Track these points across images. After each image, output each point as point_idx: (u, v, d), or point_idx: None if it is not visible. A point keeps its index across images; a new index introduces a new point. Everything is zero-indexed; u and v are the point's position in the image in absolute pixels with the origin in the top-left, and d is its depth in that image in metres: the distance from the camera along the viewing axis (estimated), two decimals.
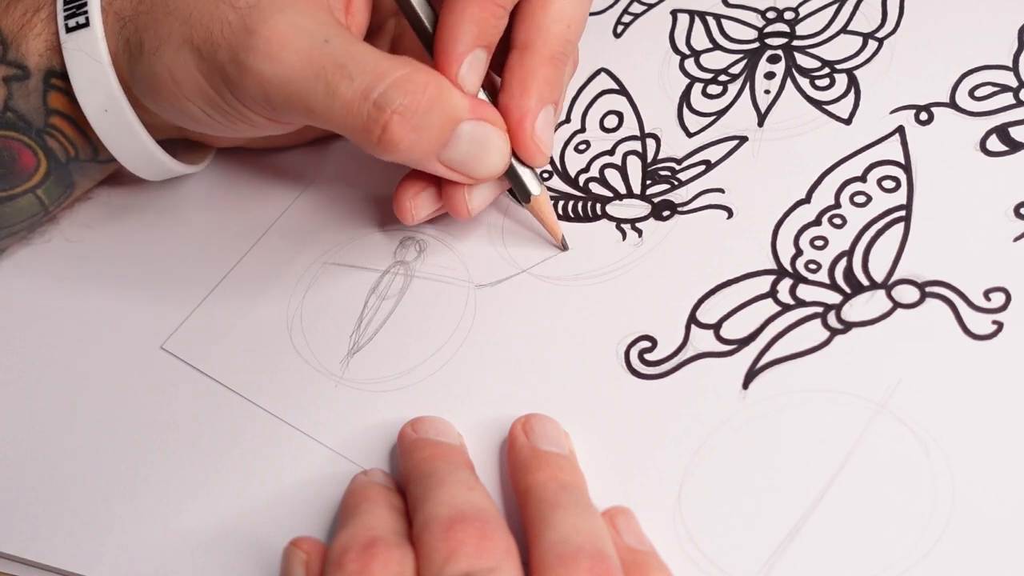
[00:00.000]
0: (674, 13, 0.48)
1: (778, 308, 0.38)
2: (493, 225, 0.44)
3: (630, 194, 0.43)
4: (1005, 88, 0.41)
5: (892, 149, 0.41)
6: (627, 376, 0.38)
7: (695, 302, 0.39)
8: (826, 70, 0.44)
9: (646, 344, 0.39)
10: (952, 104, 0.41)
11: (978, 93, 0.41)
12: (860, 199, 0.40)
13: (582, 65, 0.46)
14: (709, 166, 0.43)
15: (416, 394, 0.40)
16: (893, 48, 0.44)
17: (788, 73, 0.45)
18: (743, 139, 0.43)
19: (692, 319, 0.39)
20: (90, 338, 0.44)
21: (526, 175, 0.41)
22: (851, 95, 0.43)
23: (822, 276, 0.38)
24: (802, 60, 0.45)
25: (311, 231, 0.45)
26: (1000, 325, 0.36)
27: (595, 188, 0.44)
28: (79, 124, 0.42)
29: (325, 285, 0.43)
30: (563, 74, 0.40)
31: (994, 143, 0.40)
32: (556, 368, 0.39)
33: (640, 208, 0.43)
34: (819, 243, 0.39)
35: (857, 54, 0.44)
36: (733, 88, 0.45)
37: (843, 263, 0.39)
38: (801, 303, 0.38)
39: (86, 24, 0.40)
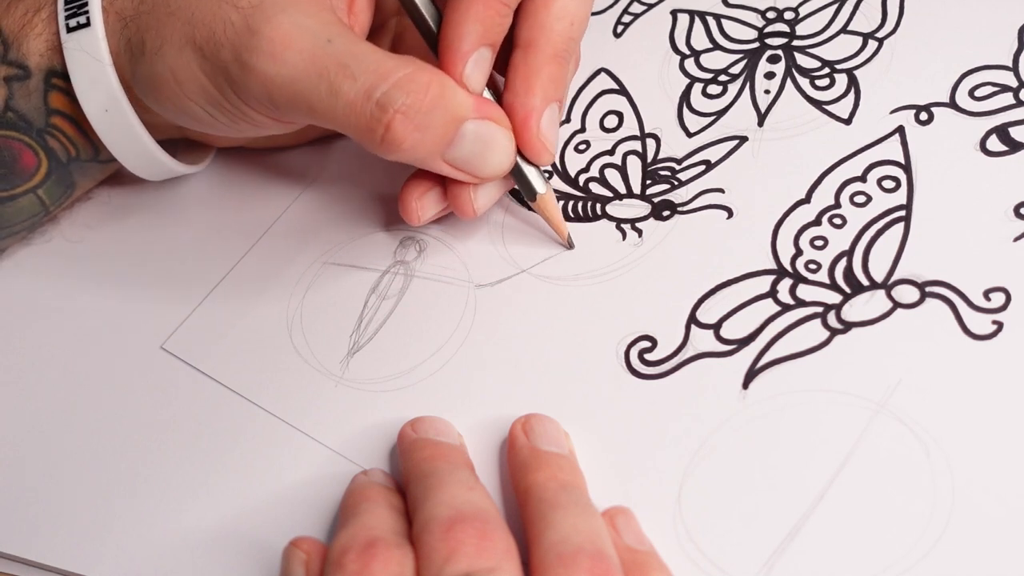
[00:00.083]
0: (674, 13, 0.48)
1: (778, 308, 0.38)
2: (493, 225, 0.44)
3: (630, 194, 0.43)
4: (1005, 88, 0.41)
5: (892, 149, 0.41)
6: (627, 376, 0.38)
7: (695, 302, 0.39)
8: (826, 70, 0.44)
9: (646, 344, 0.39)
10: (952, 104, 0.41)
11: (978, 93, 0.41)
12: (860, 199, 0.40)
13: (582, 65, 0.46)
14: (709, 166, 0.43)
15: (416, 394, 0.40)
16: (893, 48, 0.44)
17: (788, 73, 0.45)
18: (743, 139, 0.43)
19: (692, 319, 0.39)
20: (90, 338, 0.44)
21: (531, 173, 0.41)
22: (851, 95, 0.43)
23: (822, 276, 0.38)
24: (802, 60, 0.45)
25: (311, 231, 0.45)
26: (1000, 325, 0.36)
27: (595, 188, 0.44)
28: (80, 124, 0.42)
29: (325, 285, 0.43)
30: (566, 72, 0.40)
31: (994, 143, 0.40)
32: (556, 368, 0.39)
33: (640, 208, 0.43)
34: (819, 243, 0.39)
35: (857, 54, 0.44)
36: (733, 88, 0.45)
37: (843, 263, 0.39)
38: (801, 303, 0.38)
39: (87, 24, 0.40)
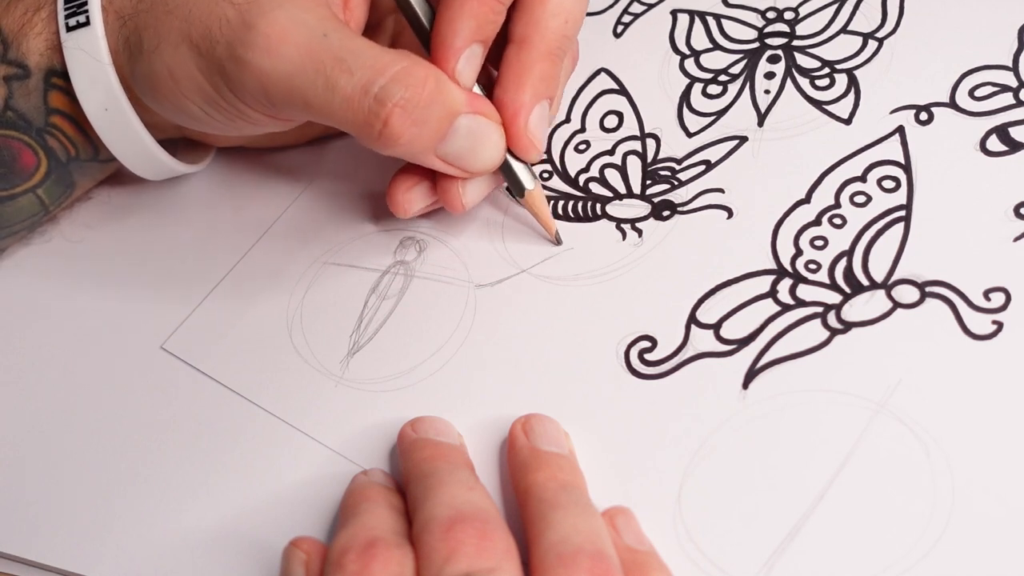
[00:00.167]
0: (674, 13, 0.48)
1: (778, 308, 0.38)
2: (493, 225, 0.44)
3: (630, 194, 0.43)
4: (1005, 88, 0.41)
5: (892, 149, 0.41)
6: (627, 376, 0.38)
7: (695, 302, 0.39)
8: (826, 70, 0.44)
9: (646, 344, 0.39)
10: (952, 104, 0.41)
11: (978, 93, 0.41)
12: (860, 199, 0.40)
13: (582, 65, 0.46)
14: (709, 166, 0.43)
15: (416, 394, 0.40)
16: (893, 48, 0.44)
17: (788, 73, 0.45)
18: (743, 139, 0.43)
19: (692, 319, 0.39)
20: (90, 338, 0.44)
21: (520, 170, 0.41)
22: (851, 95, 0.43)
23: (822, 276, 0.38)
24: (802, 60, 0.45)
25: (311, 231, 0.45)
26: (1000, 325, 0.36)
27: (595, 188, 0.44)
28: (80, 123, 0.42)
29: (325, 285, 0.43)
30: (559, 70, 0.40)
31: (994, 143, 0.40)
32: (556, 368, 0.39)
33: (640, 208, 0.43)
34: (819, 243, 0.39)
35: (857, 54, 0.44)
36: (733, 88, 0.45)
37: (843, 263, 0.39)
38: (801, 303, 0.38)
39: (86, 23, 0.40)
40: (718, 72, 0.46)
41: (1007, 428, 0.34)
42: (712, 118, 0.44)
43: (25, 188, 0.43)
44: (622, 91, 0.46)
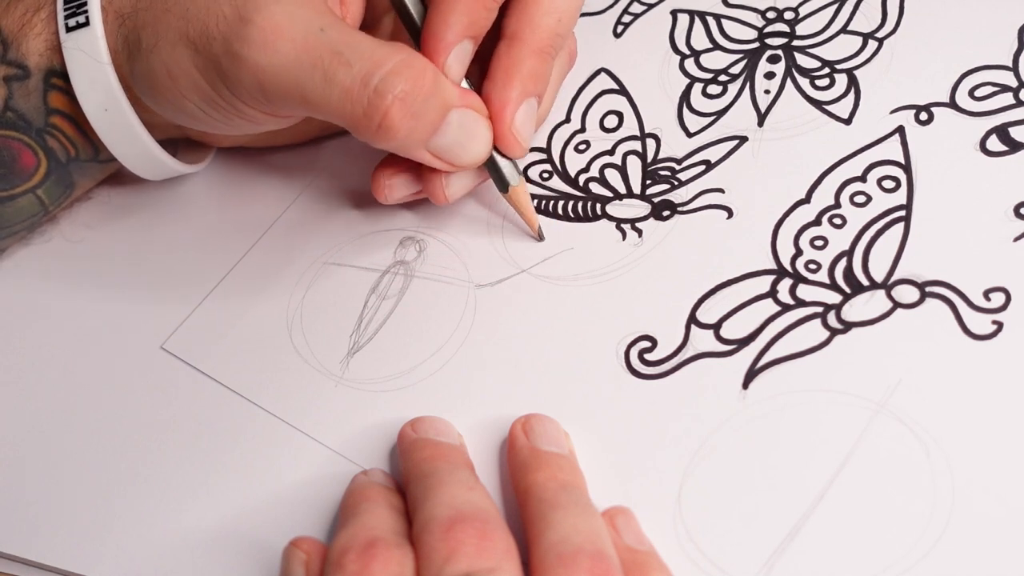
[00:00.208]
0: (674, 13, 0.48)
1: (778, 308, 0.38)
2: (493, 225, 0.44)
3: (630, 194, 0.43)
4: (1005, 88, 0.41)
5: (892, 149, 0.41)
6: (627, 376, 0.38)
7: (695, 302, 0.39)
8: (826, 70, 0.44)
9: (646, 344, 0.39)
10: (952, 104, 0.41)
11: (978, 93, 0.41)
12: (860, 199, 0.40)
13: (582, 65, 0.46)
14: (709, 166, 0.43)
15: (416, 394, 0.40)
16: (893, 48, 0.44)
17: (788, 73, 0.45)
18: (743, 139, 0.43)
19: (692, 319, 0.39)
20: (90, 338, 0.44)
21: (504, 165, 0.41)
22: (851, 95, 0.43)
23: (822, 276, 0.38)
24: (802, 60, 0.45)
25: (311, 230, 0.45)
26: (1000, 325, 0.36)
27: (595, 188, 0.44)
28: (79, 124, 0.42)
29: (325, 285, 0.43)
30: (549, 68, 0.41)
31: (994, 143, 0.40)
32: (556, 368, 0.39)
33: (640, 208, 0.43)
34: (819, 243, 0.39)
35: (857, 54, 0.44)
36: (733, 88, 0.45)
37: (843, 263, 0.39)
38: (801, 303, 0.38)
39: (86, 23, 0.40)
40: (718, 72, 0.46)
41: (1007, 428, 0.34)
42: (712, 118, 0.44)
43: (25, 188, 0.43)
44: (622, 91, 0.46)
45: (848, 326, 0.37)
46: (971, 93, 0.41)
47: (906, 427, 0.34)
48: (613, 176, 0.44)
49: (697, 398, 0.37)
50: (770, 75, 0.45)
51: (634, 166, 0.44)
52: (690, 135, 0.44)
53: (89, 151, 0.43)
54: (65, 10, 0.40)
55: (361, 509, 0.35)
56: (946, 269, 0.37)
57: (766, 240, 0.40)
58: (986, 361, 0.35)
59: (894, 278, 0.38)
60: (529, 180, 0.44)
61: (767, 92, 0.44)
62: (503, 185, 0.41)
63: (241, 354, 0.42)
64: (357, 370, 0.41)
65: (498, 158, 0.41)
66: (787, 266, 0.39)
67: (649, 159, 0.44)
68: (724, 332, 0.38)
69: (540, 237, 0.42)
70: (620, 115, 0.46)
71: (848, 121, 0.42)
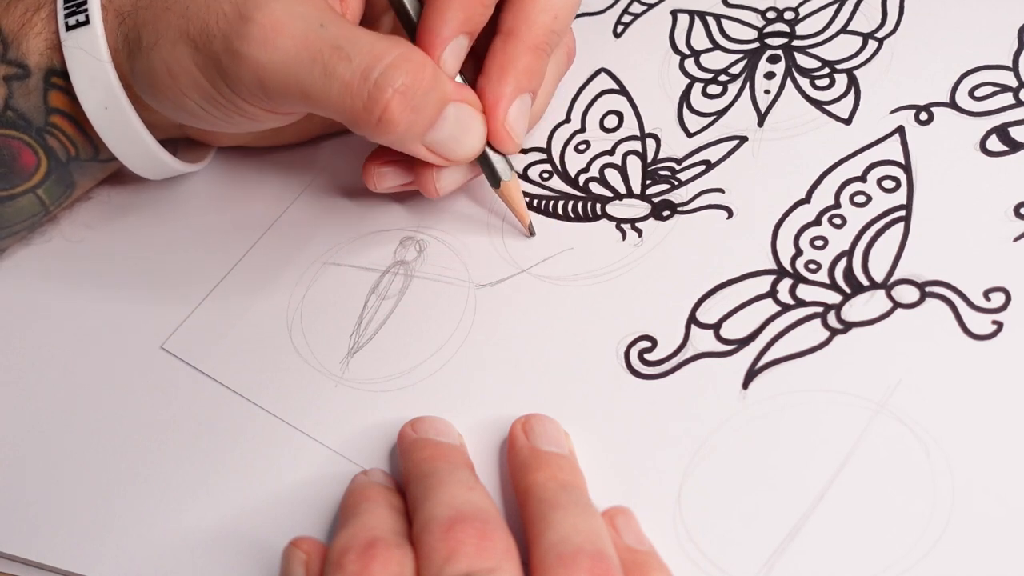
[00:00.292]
0: (674, 13, 0.48)
1: (778, 308, 0.38)
2: (493, 225, 0.44)
3: (630, 194, 0.43)
4: (1005, 88, 0.41)
5: (892, 149, 0.41)
6: (627, 376, 0.38)
7: (695, 302, 0.39)
8: (826, 70, 0.44)
9: (646, 344, 0.39)
10: (952, 104, 0.41)
11: (978, 93, 0.41)
12: (860, 199, 0.40)
13: (582, 65, 0.46)
14: (709, 166, 0.43)
15: (416, 394, 0.40)
16: (893, 48, 0.44)
17: (788, 73, 0.45)
18: (743, 139, 0.43)
19: (692, 319, 0.39)
20: (90, 338, 0.44)
21: (497, 161, 0.41)
22: (851, 95, 0.43)
23: (822, 276, 0.38)
24: (802, 60, 0.45)
25: (311, 230, 0.45)
26: (1000, 325, 0.36)
27: (595, 188, 0.44)
28: (80, 123, 0.42)
29: (325, 285, 0.43)
30: (544, 65, 0.41)
31: (994, 143, 0.40)
32: (556, 368, 0.39)
33: (640, 208, 0.43)
34: (819, 243, 0.39)
35: (857, 54, 0.44)
36: (733, 88, 0.45)
37: (843, 263, 0.39)
38: (801, 303, 0.38)
39: (86, 22, 0.40)
40: (718, 72, 0.46)
41: (1007, 428, 0.34)
42: (712, 118, 0.44)
43: (25, 188, 0.43)
44: (622, 91, 0.46)
45: (848, 326, 0.37)
46: (971, 93, 0.41)
47: (906, 427, 0.34)
48: (613, 176, 0.44)
49: (697, 398, 0.37)
50: (770, 75, 0.45)
51: (634, 166, 0.44)
52: (690, 135, 0.44)
53: (89, 150, 0.43)
54: (65, 9, 0.40)
55: (361, 509, 0.35)
56: (946, 269, 0.37)
57: (766, 240, 0.40)
58: (986, 361, 0.35)
59: (894, 278, 0.38)
60: (529, 180, 0.44)
61: (767, 92, 0.44)
62: (495, 180, 0.41)
63: (241, 354, 0.42)
64: (357, 370, 0.41)
65: (491, 153, 0.41)
66: (787, 266, 0.39)
67: (649, 159, 0.44)
68: (724, 332, 0.38)
69: (531, 233, 0.42)
70: (620, 115, 0.46)
71: (848, 121, 0.42)
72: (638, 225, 0.42)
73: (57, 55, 0.41)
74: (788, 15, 0.46)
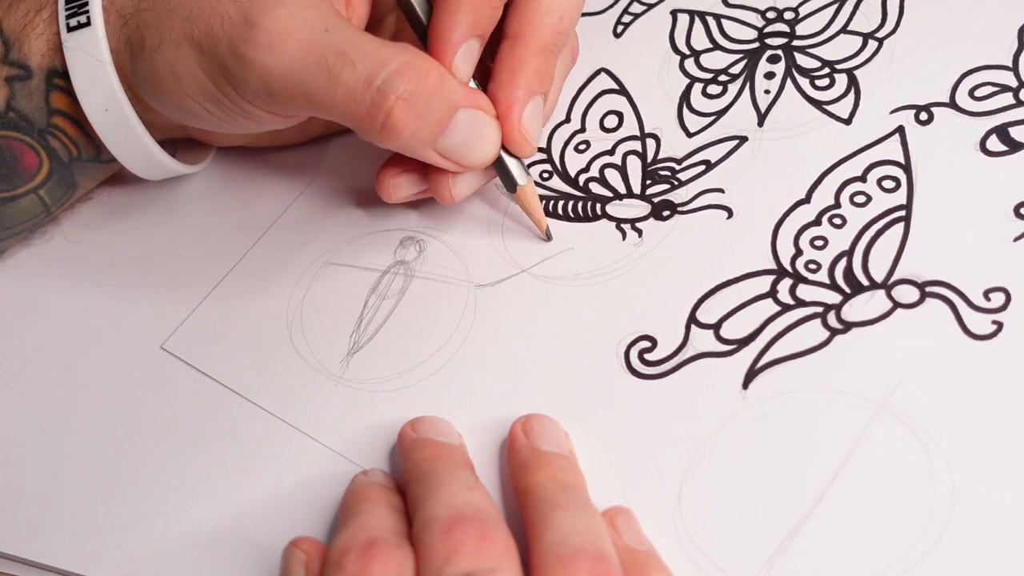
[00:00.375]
0: (674, 13, 0.48)
1: (778, 308, 0.38)
2: (493, 225, 0.44)
3: (630, 194, 0.43)
4: (1005, 88, 0.41)
5: (892, 149, 0.41)
6: (627, 376, 0.38)
7: (695, 302, 0.39)
8: (826, 70, 0.44)
9: (646, 344, 0.39)
10: (952, 104, 0.41)
11: (978, 93, 0.41)
12: (860, 199, 0.40)
13: (582, 65, 0.46)
14: (709, 166, 0.43)
15: (416, 394, 0.40)
16: (893, 48, 0.44)
17: (788, 73, 0.45)
18: (743, 139, 0.43)
19: (692, 319, 0.39)
20: (90, 338, 0.44)
21: (513, 165, 0.41)
22: (851, 95, 0.43)
23: (822, 276, 0.38)
24: (802, 60, 0.45)
25: (311, 230, 0.45)
26: (1000, 325, 0.36)
27: (595, 188, 0.44)
28: (81, 124, 0.42)
29: (325, 285, 0.43)
30: (553, 66, 0.41)
31: (994, 143, 0.40)
32: (556, 368, 0.39)
33: (640, 208, 0.43)
34: (819, 243, 0.39)
35: (857, 54, 0.44)
36: (733, 88, 0.45)
37: (843, 263, 0.39)
38: (801, 303, 0.38)
39: (87, 23, 0.40)
40: (718, 72, 0.46)
41: (1007, 428, 0.34)
42: (712, 118, 0.44)
43: (27, 189, 0.43)
44: (622, 91, 0.46)
45: (848, 326, 0.37)
46: (971, 93, 0.41)
47: (906, 427, 0.34)
48: (613, 176, 0.44)
49: (697, 398, 0.37)
50: (770, 75, 0.45)
51: (634, 166, 0.44)
52: (690, 135, 0.44)
53: (91, 151, 0.43)
54: (67, 10, 0.40)
55: (361, 509, 0.35)
56: (946, 269, 0.37)
57: (766, 240, 0.40)
58: (986, 361, 0.35)
59: (894, 278, 0.38)
60: None
61: (767, 92, 0.44)
62: (511, 185, 0.41)
63: (241, 354, 0.42)
64: (357, 370, 0.41)
65: (506, 157, 0.41)
66: (787, 266, 0.39)
67: (649, 159, 0.44)
68: (724, 332, 0.38)
69: (548, 237, 0.42)
70: (620, 115, 0.46)
71: (848, 121, 0.42)
72: (638, 225, 0.42)
73: (59, 56, 0.41)
74: (788, 15, 0.46)
